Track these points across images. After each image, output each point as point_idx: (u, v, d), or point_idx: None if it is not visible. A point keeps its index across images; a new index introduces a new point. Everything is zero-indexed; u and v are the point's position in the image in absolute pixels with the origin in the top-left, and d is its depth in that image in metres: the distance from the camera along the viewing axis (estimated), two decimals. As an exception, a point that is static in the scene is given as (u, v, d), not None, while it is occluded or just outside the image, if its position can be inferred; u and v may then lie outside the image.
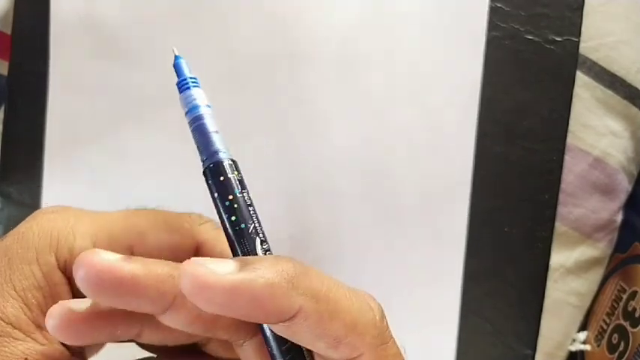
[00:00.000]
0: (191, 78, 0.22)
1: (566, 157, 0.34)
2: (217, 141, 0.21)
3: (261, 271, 0.16)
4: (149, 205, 0.24)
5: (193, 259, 0.16)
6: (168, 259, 0.21)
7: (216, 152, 0.21)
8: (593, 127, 0.36)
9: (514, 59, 0.33)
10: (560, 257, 0.37)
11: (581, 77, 0.36)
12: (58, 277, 0.21)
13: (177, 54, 0.22)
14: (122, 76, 0.34)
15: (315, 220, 0.34)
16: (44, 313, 0.20)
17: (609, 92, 0.36)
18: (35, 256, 0.21)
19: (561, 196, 0.34)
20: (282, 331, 0.18)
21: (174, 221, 0.23)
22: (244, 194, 0.20)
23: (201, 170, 0.21)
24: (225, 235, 0.20)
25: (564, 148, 0.33)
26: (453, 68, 0.33)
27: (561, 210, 0.36)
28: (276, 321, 0.17)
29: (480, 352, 0.34)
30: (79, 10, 0.34)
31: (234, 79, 0.34)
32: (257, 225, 0.20)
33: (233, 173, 0.20)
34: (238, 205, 0.20)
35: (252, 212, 0.20)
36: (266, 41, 0.34)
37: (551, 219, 0.34)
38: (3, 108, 0.36)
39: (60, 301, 0.19)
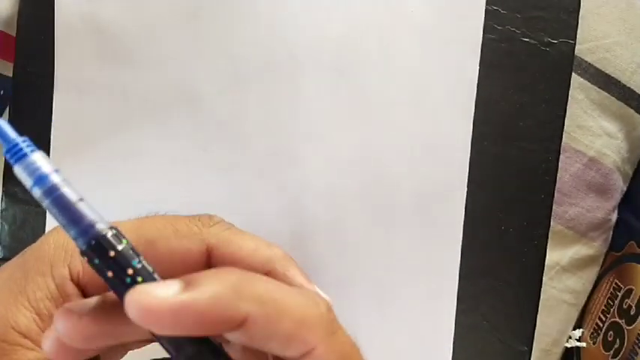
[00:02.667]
0: (23, 141, 0.17)
1: (562, 158, 0.35)
2: (88, 211, 0.17)
3: (204, 286, 0.17)
4: (158, 206, 0.24)
5: (137, 287, 0.16)
6: (180, 264, 0.22)
7: (91, 225, 0.17)
8: (588, 127, 0.37)
9: (510, 61, 0.33)
10: (556, 255, 0.38)
11: (576, 79, 0.36)
12: (71, 288, 0.21)
13: None
14: (126, 78, 0.35)
15: (315, 220, 0.34)
16: None
17: (604, 94, 0.37)
18: (50, 268, 0.21)
19: (557, 196, 0.35)
20: (234, 337, 0.18)
21: (183, 227, 0.23)
22: (142, 262, 0.17)
23: (80, 251, 0.17)
24: None
25: (560, 148, 0.33)
26: (449, 70, 0.33)
27: (557, 209, 0.37)
28: (227, 330, 0.17)
29: (476, 349, 0.34)
30: (83, 12, 0.34)
31: (234, 82, 0.34)
32: None
33: (122, 243, 0.17)
34: (143, 277, 0.17)
35: (159, 278, 0.18)
36: (265, 44, 0.34)
37: (547, 218, 0.34)
38: (8, 109, 0.37)
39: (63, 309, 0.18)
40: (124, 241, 0.17)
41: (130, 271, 0.17)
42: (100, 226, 0.17)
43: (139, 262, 0.17)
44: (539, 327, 0.35)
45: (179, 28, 0.34)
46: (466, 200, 0.33)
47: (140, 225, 0.23)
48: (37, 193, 0.17)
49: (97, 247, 0.17)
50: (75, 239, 0.17)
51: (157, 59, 0.34)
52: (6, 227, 0.36)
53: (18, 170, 0.17)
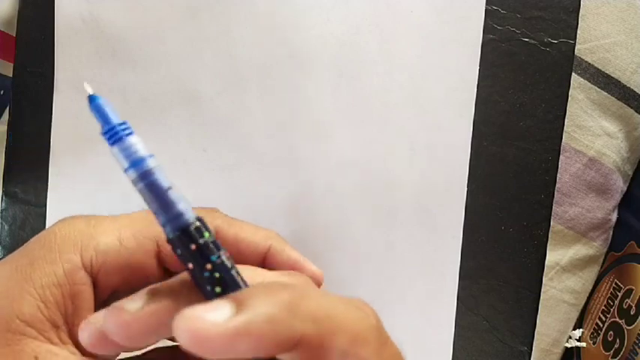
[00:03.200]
0: (122, 124, 0.17)
1: (562, 157, 0.35)
2: (177, 200, 0.17)
3: (258, 308, 0.16)
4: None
5: (185, 312, 0.16)
6: None
7: (180, 214, 0.17)
8: (588, 127, 0.37)
9: (510, 61, 0.33)
10: (556, 255, 0.38)
11: (576, 79, 0.36)
12: (81, 276, 0.21)
13: (91, 92, 0.17)
14: (126, 78, 0.35)
15: (315, 220, 0.34)
16: (61, 312, 0.20)
17: (604, 93, 0.37)
18: (58, 256, 0.21)
19: (557, 196, 0.35)
20: (286, 358, 0.17)
21: None
22: (222, 257, 0.17)
23: (166, 238, 0.17)
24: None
25: (560, 148, 0.33)
26: (449, 70, 0.33)
27: (557, 209, 0.37)
28: (280, 352, 0.16)
29: (476, 349, 0.34)
30: (83, 12, 0.34)
31: (234, 82, 0.34)
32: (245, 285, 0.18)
33: (204, 236, 0.17)
34: (221, 273, 0.17)
35: (236, 275, 0.17)
36: (266, 45, 0.34)
37: (547, 218, 0.34)
38: (8, 109, 0.37)
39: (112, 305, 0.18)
40: (206, 234, 0.17)
41: (209, 266, 0.17)
42: (187, 217, 0.17)
43: (219, 257, 0.17)
44: (539, 327, 0.35)
45: (179, 29, 0.34)
46: (466, 200, 0.33)
47: (149, 213, 0.23)
48: (131, 175, 0.17)
49: (181, 237, 0.17)
50: (163, 226, 0.17)
51: (156, 59, 0.34)
52: (6, 227, 0.36)
53: (115, 152, 0.17)
